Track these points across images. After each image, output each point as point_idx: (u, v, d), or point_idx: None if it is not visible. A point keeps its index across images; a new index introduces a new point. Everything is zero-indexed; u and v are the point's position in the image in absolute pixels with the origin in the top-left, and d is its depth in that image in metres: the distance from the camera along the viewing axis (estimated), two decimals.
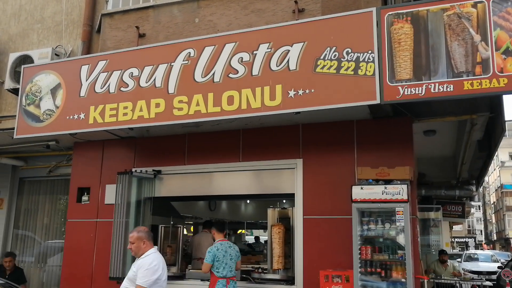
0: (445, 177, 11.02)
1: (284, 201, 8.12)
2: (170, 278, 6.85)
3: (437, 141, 7.71)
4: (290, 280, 6.28)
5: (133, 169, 7.26)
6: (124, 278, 6.74)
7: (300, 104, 5.21)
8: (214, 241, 6.09)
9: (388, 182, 5.54)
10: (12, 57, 7.39)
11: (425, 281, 5.88)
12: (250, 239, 16.85)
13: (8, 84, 7.29)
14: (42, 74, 6.84)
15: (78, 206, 7.77)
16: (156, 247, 4.59)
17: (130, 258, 7.01)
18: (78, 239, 7.60)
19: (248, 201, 12.52)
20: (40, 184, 9.01)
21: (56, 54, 7.22)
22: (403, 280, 5.30)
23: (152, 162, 7.43)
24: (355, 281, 5.43)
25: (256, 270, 6.96)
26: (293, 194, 6.45)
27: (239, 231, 15.70)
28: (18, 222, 8.96)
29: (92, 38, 7.41)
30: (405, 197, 5.31)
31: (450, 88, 4.60)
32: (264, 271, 6.99)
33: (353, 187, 5.57)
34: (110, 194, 7.37)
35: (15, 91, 7.19)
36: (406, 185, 5.38)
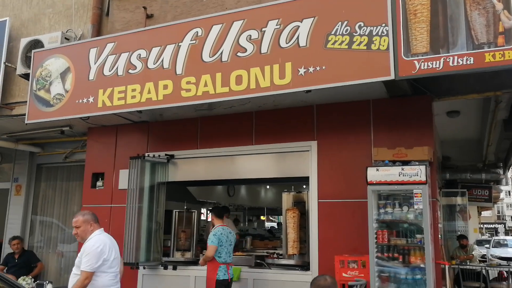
0: (470, 160, 10.60)
1: (304, 186, 7.93)
2: (184, 263, 6.83)
3: (461, 122, 7.35)
4: (305, 266, 6.10)
5: (146, 154, 7.17)
6: (138, 263, 6.81)
7: (311, 82, 4.97)
8: (213, 227, 5.97)
9: (405, 163, 5.26)
10: (23, 42, 7.34)
11: (447, 267, 5.61)
12: (273, 225, 16.74)
13: (20, 69, 7.26)
14: (52, 59, 6.77)
15: (93, 192, 7.74)
16: (103, 228, 4.36)
17: (144, 243, 6.98)
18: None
19: (268, 187, 12.37)
20: (58, 170, 9.03)
21: (66, 38, 7.14)
22: (422, 265, 5.05)
23: (166, 146, 7.32)
24: (371, 266, 5.21)
25: (271, 255, 6.81)
26: (308, 177, 6.24)
27: (262, 217, 15.63)
28: (36, 208, 9.02)
29: (101, 21, 7.30)
30: (423, 178, 5.04)
31: (470, 61, 4.28)
32: (280, 257, 6.83)
33: (369, 168, 5.31)
34: (124, 179, 7.30)
35: (26, 76, 7.16)
36: (424, 166, 5.09)
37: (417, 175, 5.06)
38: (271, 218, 17.61)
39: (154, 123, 7.48)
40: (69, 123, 7.52)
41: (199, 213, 8.06)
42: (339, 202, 5.98)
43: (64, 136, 8.26)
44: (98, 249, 4.01)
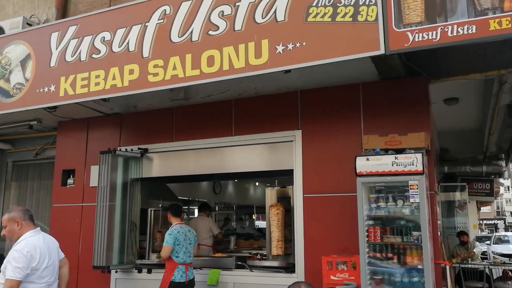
0: (470, 152, 10.03)
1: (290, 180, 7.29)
2: (160, 266, 6.23)
3: (461, 111, 6.80)
4: (291, 268, 5.52)
5: (118, 148, 6.58)
6: (109, 267, 6.22)
7: (290, 61, 4.38)
8: (171, 225, 5.51)
9: (399, 151, 4.68)
10: None
11: (447, 267, 5.04)
12: (263, 223, 16.08)
13: None
14: (12, 45, 6.16)
15: (63, 190, 7.15)
16: (38, 228, 3.73)
17: (118, 245, 6.40)
18: (63, 225, 6.99)
19: (257, 184, 11.79)
20: (29, 168, 8.43)
21: (28, 24, 6.55)
22: (419, 266, 4.48)
23: (139, 140, 6.74)
24: (362, 268, 4.63)
25: (253, 256, 6.23)
26: (292, 170, 5.66)
27: (254, 216, 15.03)
28: (7, 210, 8.40)
29: (66, 4, 6.71)
30: (419, 168, 4.46)
31: (472, 30, 3.70)
32: (264, 257, 6.26)
33: (358, 158, 4.73)
34: (96, 176, 6.70)
35: None
36: (421, 154, 4.52)
37: (413, 164, 4.48)
38: (261, 216, 16.95)
39: (127, 116, 6.89)
40: (36, 116, 6.92)
41: None
42: (326, 197, 5.40)
43: (33, 131, 7.67)
44: (27, 254, 3.41)
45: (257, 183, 11.68)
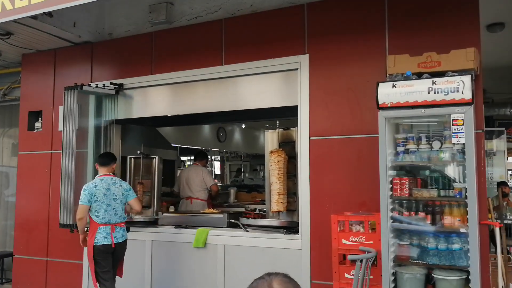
0: (510, 92, 8.63)
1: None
2: (140, 224, 5.24)
3: (504, 41, 5.42)
4: (293, 228, 4.43)
5: (88, 84, 5.43)
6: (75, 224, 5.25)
7: None
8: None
9: (438, 75, 3.42)
10: None
11: (497, 229, 3.86)
12: None
13: None
14: None
15: (31, 135, 6.11)
16: None
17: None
18: (31, 176, 6.02)
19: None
20: None
21: None
22: (462, 230, 3.31)
23: (114, 74, 5.60)
24: (383, 229, 3.49)
25: (250, 213, 5.16)
26: (297, 107, 4.46)
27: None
28: None
29: None
30: (467, 95, 3.21)
31: None
32: (263, 213, 5.20)
33: (380, 85, 3.49)
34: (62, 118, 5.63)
35: None
36: (469, 77, 3.25)
37: (458, 91, 3.22)
38: None
39: (99, 45, 5.71)
40: None
41: (166, 160, 6.38)
42: (338, 139, 4.23)
43: None
44: None
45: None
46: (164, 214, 5.20)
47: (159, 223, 5.17)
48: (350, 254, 3.61)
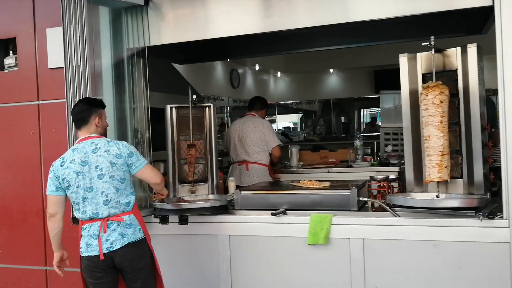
0: None
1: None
2: (197, 210, 3.36)
3: None
4: (483, 209, 2.71)
5: None
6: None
7: None
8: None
9: None
10: None
11: None
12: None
13: None
14: None
15: (1, 77, 3.93)
16: None
17: None
18: (8, 142, 3.90)
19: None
20: None
21: None
22: None
23: None
24: None
25: (384, 185, 3.37)
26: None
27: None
28: None
29: None
30: None
31: None
32: (398, 186, 3.46)
33: None
34: (56, 48, 3.50)
35: None
36: None
37: None
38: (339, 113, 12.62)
39: None
40: None
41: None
42: None
43: None
44: None
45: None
46: (243, 192, 3.32)
47: (236, 207, 3.30)
48: None
